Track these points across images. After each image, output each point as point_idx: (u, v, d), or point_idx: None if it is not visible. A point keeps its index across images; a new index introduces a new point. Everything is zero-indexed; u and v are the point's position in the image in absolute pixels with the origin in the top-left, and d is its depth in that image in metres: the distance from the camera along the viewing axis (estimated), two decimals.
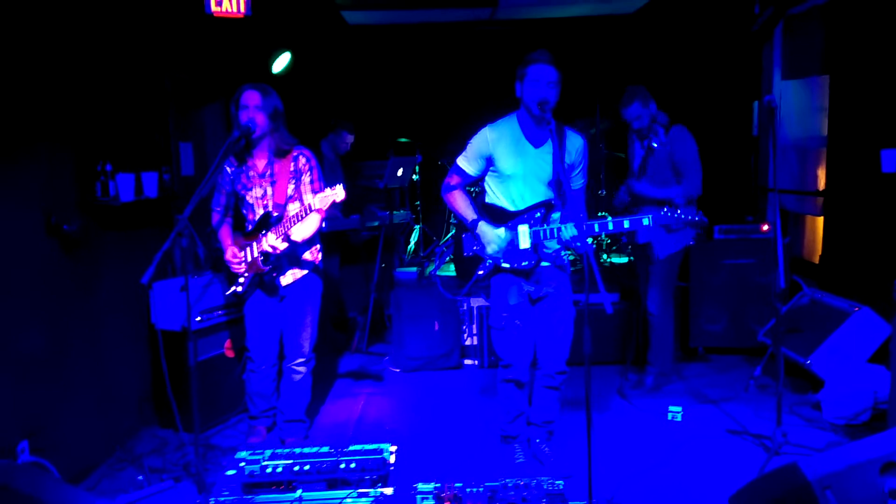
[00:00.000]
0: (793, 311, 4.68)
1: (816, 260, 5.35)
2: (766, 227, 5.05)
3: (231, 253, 3.53)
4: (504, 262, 3.27)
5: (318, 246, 3.68)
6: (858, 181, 4.54)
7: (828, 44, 5.08)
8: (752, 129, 6.07)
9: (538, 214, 3.22)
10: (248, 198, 3.54)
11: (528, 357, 3.38)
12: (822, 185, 5.21)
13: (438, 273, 5.49)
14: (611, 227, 3.09)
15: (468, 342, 5.10)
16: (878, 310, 4.11)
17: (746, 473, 3.29)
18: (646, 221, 3.08)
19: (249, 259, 3.50)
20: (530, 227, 3.22)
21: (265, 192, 3.51)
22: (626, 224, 3.08)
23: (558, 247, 3.34)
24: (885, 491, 2.48)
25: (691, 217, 3.07)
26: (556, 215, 3.25)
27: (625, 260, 6.05)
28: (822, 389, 4.01)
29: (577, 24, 6.81)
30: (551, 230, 3.17)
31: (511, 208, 3.28)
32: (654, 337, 4.40)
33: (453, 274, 5.34)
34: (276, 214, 3.45)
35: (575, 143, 3.26)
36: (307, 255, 3.61)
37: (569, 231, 3.10)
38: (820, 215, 5.30)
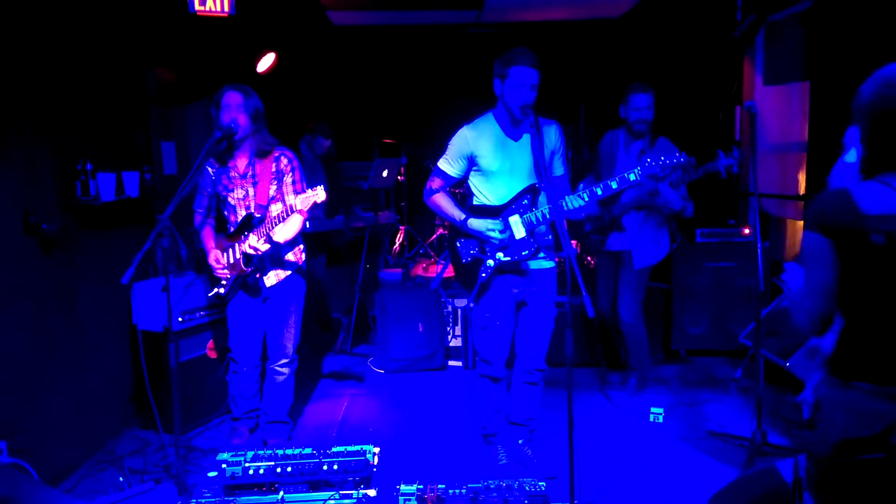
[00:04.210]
0: (773, 314, 4.73)
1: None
2: (747, 231, 5.10)
3: (213, 256, 3.52)
4: (505, 255, 3.27)
5: (302, 247, 3.67)
6: None
7: (808, 50, 5.14)
8: (735, 133, 6.13)
9: (525, 202, 3.23)
10: (229, 199, 3.52)
11: (504, 354, 3.43)
12: (802, 189, 5.26)
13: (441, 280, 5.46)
14: (600, 192, 3.11)
15: (453, 343, 5.10)
16: None
17: (727, 475, 3.32)
18: (632, 177, 3.07)
19: (232, 261, 3.49)
20: (521, 216, 3.23)
21: (247, 193, 3.49)
22: (614, 185, 3.08)
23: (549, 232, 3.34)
24: None
25: (675, 161, 3.06)
26: (543, 195, 3.25)
27: None
28: (802, 391, 4.04)
29: (563, 28, 6.84)
30: (542, 213, 3.18)
31: (498, 203, 3.29)
32: (632, 344, 4.39)
33: (448, 276, 5.34)
34: (258, 216, 3.44)
35: (550, 131, 3.29)
36: (290, 256, 3.60)
37: (571, 202, 3.12)
38: (800, 219, 5.36)
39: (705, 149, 5.98)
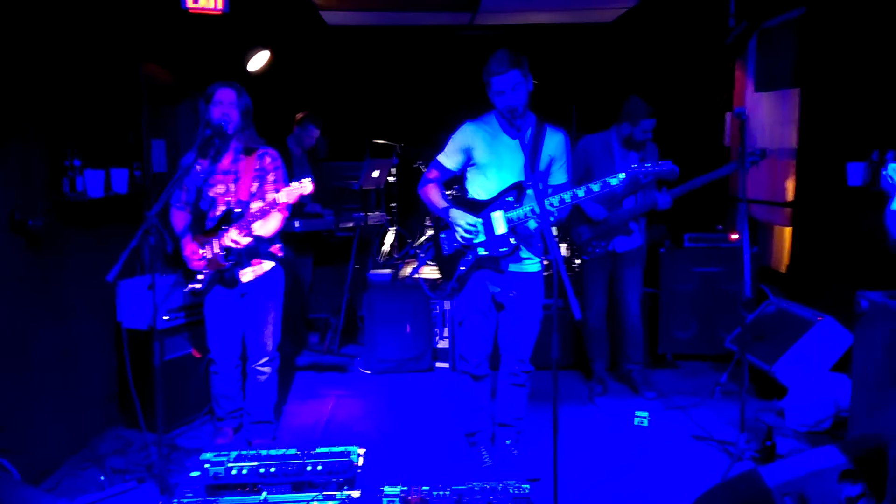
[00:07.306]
0: (759, 320, 4.76)
1: (784, 269, 5.44)
2: (735, 237, 5.13)
3: (190, 250, 3.50)
4: (483, 249, 3.28)
5: (280, 245, 3.65)
6: (826, 193, 4.63)
7: (799, 58, 5.17)
8: (724, 139, 6.16)
9: (510, 198, 3.25)
10: (210, 194, 3.51)
11: (483, 352, 3.43)
12: (791, 195, 5.29)
13: (419, 276, 5.46)
14: (581, 194, 3.10)
15: (440, 345, 5.10)
16: (841, 319, 4.18)
17: (710, 479, 3.33)
18: (614, 182, 3.06)
19: (210, 255, 3.46)
20: (504, 213, 3.24)
21: (228, 188, 3.49)
22: (596, 188, 3.08)
23: (534, 227, 3.32)
24: (842, 498, 2.53)
25: (659, 169, 3.14)
26: (529, 192, 3.24)
27: None
28: (785, 397, 4.07)
29: (556, 31, 6.86)
30: (525, 212, 3.19)
31: (485, 198, 3.31)
32: (638, 336, 4.52)
33: (434, 276, 5.35)
34: (237, 211, 3.42)
35: (554, 138, 3.30)
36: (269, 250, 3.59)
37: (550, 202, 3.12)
38: (788, 226, 5.39)
39: (695, 154, 6.03)
